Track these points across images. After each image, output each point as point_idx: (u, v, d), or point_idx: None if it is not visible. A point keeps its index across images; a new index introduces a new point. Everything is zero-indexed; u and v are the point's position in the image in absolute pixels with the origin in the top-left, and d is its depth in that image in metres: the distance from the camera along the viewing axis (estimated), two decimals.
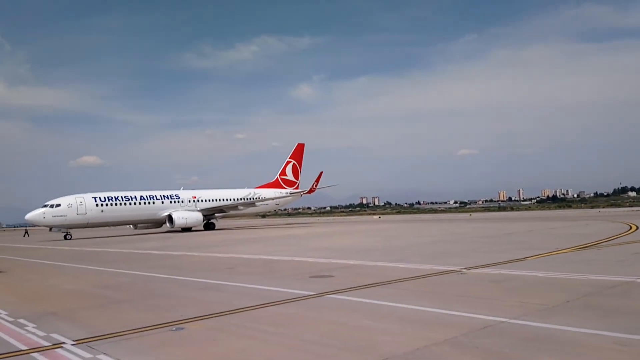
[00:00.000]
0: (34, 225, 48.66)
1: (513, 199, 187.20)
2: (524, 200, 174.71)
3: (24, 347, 7.10)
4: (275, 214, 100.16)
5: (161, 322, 8.28)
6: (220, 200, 54.41)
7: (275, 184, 61.78)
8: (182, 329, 7.84)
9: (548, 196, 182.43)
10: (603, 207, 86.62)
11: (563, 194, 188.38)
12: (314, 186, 59.61)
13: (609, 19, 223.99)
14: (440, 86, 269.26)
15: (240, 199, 55.67)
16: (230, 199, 55.21)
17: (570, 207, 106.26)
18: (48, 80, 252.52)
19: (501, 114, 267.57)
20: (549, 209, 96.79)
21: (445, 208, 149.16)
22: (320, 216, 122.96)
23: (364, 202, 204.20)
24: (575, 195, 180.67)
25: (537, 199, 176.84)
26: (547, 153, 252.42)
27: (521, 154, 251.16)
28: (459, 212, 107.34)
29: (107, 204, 45.78)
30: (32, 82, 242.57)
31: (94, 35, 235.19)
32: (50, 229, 45.16)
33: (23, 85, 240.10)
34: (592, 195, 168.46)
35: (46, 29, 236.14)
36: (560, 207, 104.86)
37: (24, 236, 59.68)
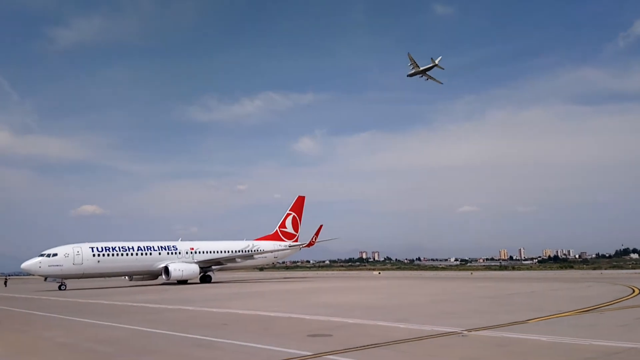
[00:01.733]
0: (29, 274, 47.86)
1: (514, 258, 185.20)
2: (525, 260, 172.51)
3: None
4: (274, 266, 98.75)
5: None
6: (218, 252, 53.81)
7: (275, 237, 61.45)
8: None
9: (549, 256, 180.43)
10: (605, 269, 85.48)
11: (564, 254, 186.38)
12: (314, 239, 59.26)
13: (606, 83, 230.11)
14: (441, 143, 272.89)
15: (239, 251, 55.15)
16: (229, 251, 54.65)
17: (572, 267, 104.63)
18: (54, 130, 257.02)
19: (501, 173, 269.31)
20: (551, 269, 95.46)
21: (446, 265, 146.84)
22: (319, 270, 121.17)
23: (364, 256, 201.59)
24: (577, 256, 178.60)
25: (539, 258, 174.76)
26: (548, 212, 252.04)
27: (522, 213, 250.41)
28: (460, 269, 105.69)
29: (104, 254, 45.12)
30: (38, 132, 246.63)
31: (100, 86, 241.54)
32: (45, 279, 44.43)
33: (29, 135, 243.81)
34: (594, 256, 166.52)
35: (54, 79, 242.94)
36: (562, 268, 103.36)
37: (5, 285, 57.92)
